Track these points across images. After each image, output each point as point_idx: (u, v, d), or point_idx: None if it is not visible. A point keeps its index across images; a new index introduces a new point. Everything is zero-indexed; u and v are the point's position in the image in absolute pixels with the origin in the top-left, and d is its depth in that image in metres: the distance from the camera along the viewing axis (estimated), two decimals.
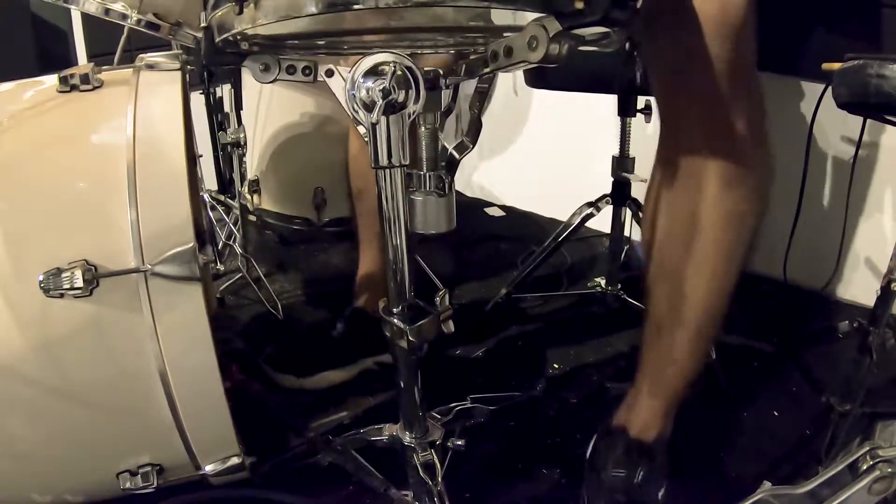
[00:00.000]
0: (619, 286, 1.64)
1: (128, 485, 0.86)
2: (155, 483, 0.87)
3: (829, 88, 0.99)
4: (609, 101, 1.55)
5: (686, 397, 1.03)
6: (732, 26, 0.84)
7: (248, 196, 1.81)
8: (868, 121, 1.32)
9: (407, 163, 0.73)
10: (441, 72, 0.76)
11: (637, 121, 1.52)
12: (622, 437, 1.01)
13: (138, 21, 1.17)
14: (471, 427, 1.09)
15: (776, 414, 1.27)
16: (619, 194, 1.58)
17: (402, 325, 0.82)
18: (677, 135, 0.93)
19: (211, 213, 1.70)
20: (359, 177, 1.36)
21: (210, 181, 1.73)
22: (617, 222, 1.61)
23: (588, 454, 1.04)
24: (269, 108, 1.93)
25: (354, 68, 0.69)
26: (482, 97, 0.82)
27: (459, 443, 1.01)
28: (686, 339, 0.99)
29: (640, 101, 1.50)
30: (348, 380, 1.31)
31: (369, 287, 1.39)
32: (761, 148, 0.93)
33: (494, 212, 2.31)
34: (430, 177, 0.79)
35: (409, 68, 0.68)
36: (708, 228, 0.93)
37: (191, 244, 0.78)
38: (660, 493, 0.99)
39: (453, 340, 1.36)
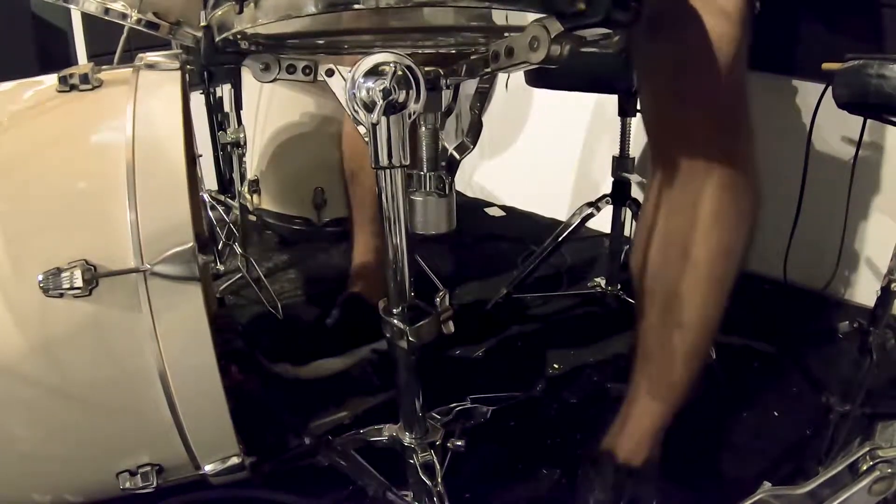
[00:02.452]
0: (619, 286, 1.64)
1: (127, 485, 0.86)
2: (155, 483, 0.87)
3: (830, 89, 0.99)
4: (609, 102, 1.55)
5: (677, 413, 1.03)
6: (733, 25, 0.84)
7: (248, 196, 1.81)
8: (868, 121, 1.32)
9: (407, 163, 0.73)
10: (442, 72, 0.76)
11: (637, 121, 1.52)
12: (609, 463, 1.01)
13: (138, 20, 1.17)
14: (471, 427, 1.09)
15: (776, 414, 1.27)
16: (620, 194, 1.58)
17: (402, 326, 0.82)
18: (677, 138, 0.92)
19: (211, 213, 1.70)
20: (352, 158, 1.35)
21: (210, 181, 1.73)
22: (617, 222, 1.61)
23: (577, 479, 1.04)
24: (268, 108, 1.93)
25: (355, 68, 0.69)
26: (483, 97, 0.82)
27: (459, 443, 1.01)
28: (675, 365, 1.00)
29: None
30: (345, 369, 1.30)
31: (364, 273, 1.38)
32: (754, 155, 0.93)
33: (495, 212, 2.31)
34: (430, 177, 0.79)
35: (409, 68, 0.68)
36: (700, 250, 0.92)
37: (190, 244, 0.78)
38: None
39: (453, 341, 1.36)
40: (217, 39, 0.69)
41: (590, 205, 1.62)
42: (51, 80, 0.90)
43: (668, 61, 0.89)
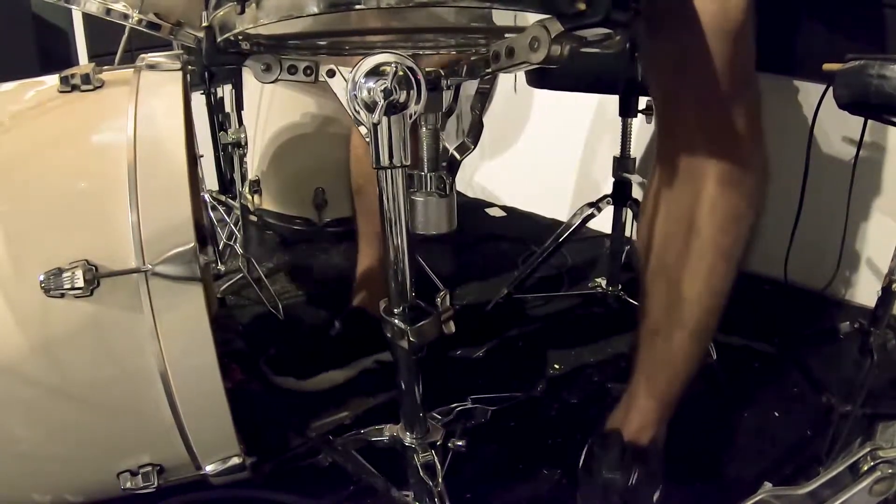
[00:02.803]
0: (620, 287, 1.64)
1: (128, 485, 0.86)
2: (155, 483, 0.87)
3: (830, 89, 0.99)
4: (610, 102, 1.55)
5: (682, 399, 1.03)
6: (733, 25, 0.84)
7: (249, 196, 1.81)
8: (869, 121, 1.32)
9: (408, 163, 0.73)
10: (442, 72, 0.76)
11: (638, 121, 1.52)
12: (617, 441, 1.01)
13: (139, 21, 1.17)
14: (471, 427, 1.09)
15: (777, 415, 1.26)
16: (620, 195, 1.58)
17: (402, 326, 0.82)
18: (676, 135, 0.93)
19: (212, 214, 1.70)
20: (360, 174, 1.36)
21: (211, 181, 1.73)
22: (618, 223, 1.61)
23: (582, 458, 1.04)
24: (269, 109, 1.93)
25: (356, 69, 0.69)
26: (483, 98, 0.82)
27: (460, 443, 1.01)
28: (682, 342, 0.99)
29: (642, 102, 1.50)
30: (348, 380, 1.31)
31: (368, 286, 1.39)
32: (759, 149, 0.93)
33: (495, 212, 2.31)
34: (431, 177, 0.79)
35: (410, 69, 0.68)
36: (705, 231, 0.93)
37: (191, 244, 0.78)
38: (655, 496, 0.99)
39: (454, 341, 1.36)
40: (218, 40, 0.69)
41: (591, 205, 1.62)
42: (52, 80, 0.90)
43: (669, 59, 0.90)
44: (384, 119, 0.69)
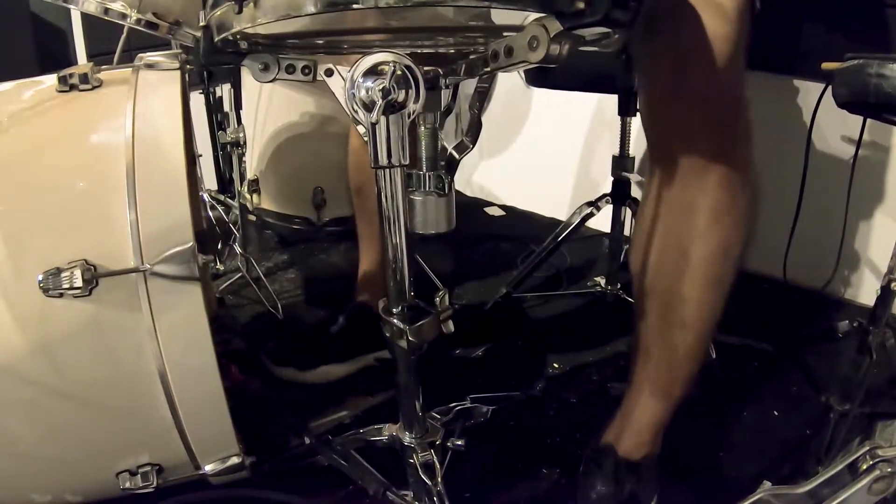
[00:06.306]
0: (619, 286, 1.64)
1: (127, 484, 0.86)
2: (154, 483, 0.87)
3: (829, 88, 0.99)
4: (609, 101, 1.55)
5: (678, 409, 1.03)
6: (729, 25, 0.84)
7: (248, 196, 1.81)
8: (868, 120, 1.32)
9: (407, 162, 0.73)
10: (441, 71, 0.76)
11: (637, 120, 1.52)
12: (610, 456, 1.01)
13: (138, 20, 1.17)
14: (471, 427, 1.09)
15: (776, 414, 1.27)
16: (619, 194, 1.58)
17: (401, 326, 0.82)
18: (675, 139, 0.92)
19: (210, 213, 1.71)
20: (359, 172, 1.36)
21: (210, 181, 1.73)
22: (617, 222, 1.61)
23: (578, 473, 1.04)
24: (268, 108, 1.93)
25: (354, 68, 0.69)
26: (482, 97, 0.82)
27: (459, 443, 1.01)
28: (675, 363, 1.00)
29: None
30: (348, 375, 1.31)
31: (371, 284, 1.39)
32: (752, 150, 0.93)
33: (494, 211, 2.31)
34: (429, 177, 0.79)
35: (408, 68, 0.68)
36: (706, 236, 0.92)
37: (190, 244, 0.78)
38: None
39: (453, 340, 1.36)
40: (216, 39, 0.69)
41: (589, 204, 1.61)
42: (50, 80, 0.90)
43: (665, 60, 0.89)
44: (382, 118, 0.68)
